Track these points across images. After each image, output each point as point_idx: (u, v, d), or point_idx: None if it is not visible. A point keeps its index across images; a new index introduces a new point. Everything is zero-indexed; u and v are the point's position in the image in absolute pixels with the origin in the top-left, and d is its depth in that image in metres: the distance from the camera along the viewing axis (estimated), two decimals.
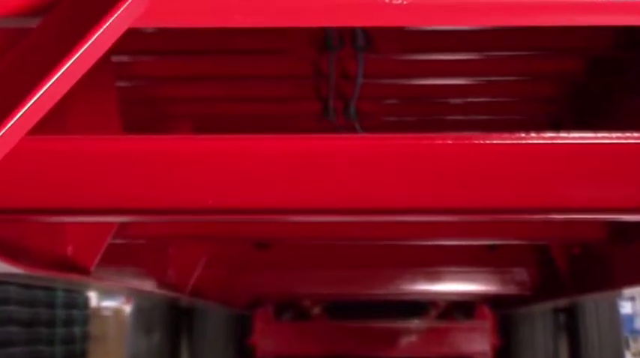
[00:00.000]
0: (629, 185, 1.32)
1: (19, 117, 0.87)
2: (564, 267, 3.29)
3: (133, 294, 4.25)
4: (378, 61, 2.47)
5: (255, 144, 1.33)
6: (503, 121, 2.91)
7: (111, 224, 2.15)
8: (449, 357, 4.72)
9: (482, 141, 1.33)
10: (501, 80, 2.67)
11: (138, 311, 4.53)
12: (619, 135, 1.32)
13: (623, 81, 2.44)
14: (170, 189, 1.34)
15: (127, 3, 0.89)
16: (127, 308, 5.73)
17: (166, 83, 2.69)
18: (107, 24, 0.88)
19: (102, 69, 1.98)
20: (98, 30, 0.87)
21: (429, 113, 2.93)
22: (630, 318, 8.52)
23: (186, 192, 1.34)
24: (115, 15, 0.88)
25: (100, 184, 1.34)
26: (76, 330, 6.84)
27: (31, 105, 0.86)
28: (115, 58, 2.24)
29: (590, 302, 4.10)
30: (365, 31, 2.31)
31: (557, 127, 2.86)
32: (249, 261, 3.95)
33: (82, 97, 1.91)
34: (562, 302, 3.95)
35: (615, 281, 2.83)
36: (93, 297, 7.29)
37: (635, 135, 1.31)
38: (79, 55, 0.84)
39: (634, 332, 8.52)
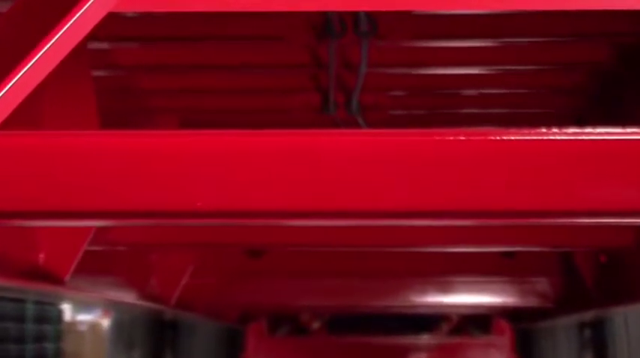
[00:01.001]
0: None
1: None
2: (590, 277, 3.30)
3: (111, 307, 4.25)
4: (383, 49, 2.47)
5: (247, 140, 1.34)
6: (521, 115, 2.92)
7: (87, 229, 2.15)
8: None
9: (498, 138, 1.34)
10: (520, 69, 2.68)
11: (117, 326, 4.53)
12: None
13: None
14: (153, 190, 1.35)
15: None
16: (105, 323, 5.73)
17: (149, 73, 2.69)
18: (85, 7, 0.88)
19: (78, 57, 1.98)
20: (75, 14, 0.87)
21: (439, 106, 2.93)
22: None
23: (172, 193, 1.34)
24: None
25: (76, 185, 1.35)
26: (48, 347, 6.83)
27: None
28: (92, 45, 2.25)
29: (619, 316, 4.11)
30: (369, 15, 2.31)
31: (581, 122, 2.87)
32: (241, 269, 3.96)
33: (55, 89, 1.92)
34: (588, 316, 3.95)
35: None
36: (67, 310, 7.28)
37: None
38: (54, 42, 0.84)
39: None
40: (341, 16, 2.31)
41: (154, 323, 4.27)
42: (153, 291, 3.25)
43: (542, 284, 4.06)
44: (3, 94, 0.88)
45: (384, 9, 1.44)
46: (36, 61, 0.87)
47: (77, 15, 0.87)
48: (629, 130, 1.33)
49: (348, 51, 2.46)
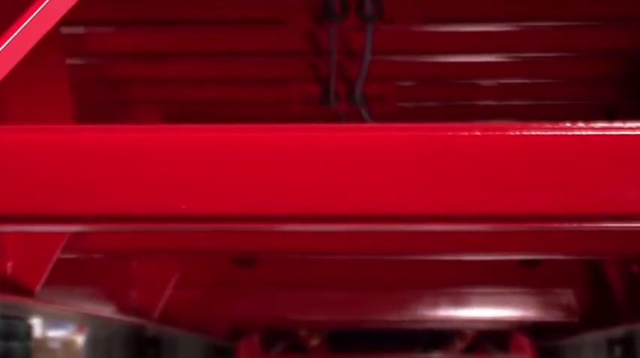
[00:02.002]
0: None
1: None
2: (620, 288, 3.30)
3: (87, 321, 4.25)
4: (390, 34, 2.48)
5: (238, 136, 1.34)
6: (544, 108, 2.92)
7: (60, 235, 2.16)
8: None
9: (518, 133, 1.34)
10: (543, 57, 2.68)
11: (93, 343, 4.54)
12: None
13: None
14: (133, 192, 1.35)
15: None
16: (80, 339, 5.73)
17: (129, 60, 2.70)
18: None
19: (50, 43, 1.98)
20: None
21: (452, 98, 2.94)
22: None
23: (154, 195, 1.34)
24: None
25: (46, 185, 1.35)
26: None
27: None
28: (65, 30, 2.25)
29: None
30: None
31: (611, 115, 2.87)
32: (231, 280, 3.96)
33: (25, 78, 1.92)
34: (617, 332, 3.96)
35: None
36: (37, 325, 7.29)
37: None
38: (24, 27, 0.84)
39: None
40: None
41: (134, 340, 4.27)
42: (133, 304, 3.25)
43: (567, 296, 4.06)
44: None
45: None
46: (4, 48, 0.87)
47: None
48: None
49: (350, 36, 2.46)
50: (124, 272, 3.21)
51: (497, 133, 1.34)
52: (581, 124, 1.34)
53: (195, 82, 2.84)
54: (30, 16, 0.87)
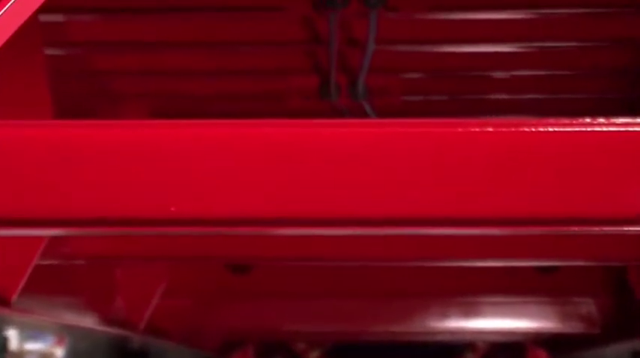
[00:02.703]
0: None
1: None
2: None
3: (67, 332, 4.26)
4: (395, 22, 2.48)
5: (231, 133, 1.34)
6: (561, 102, 2.92)
7: (38, 239, 2.16)
8: None
9: (534, 129, 1.34)
10: (559, 47, 2.68)
11: (74, 356, 4.54)
12: None
13: None
14: (118, 193, 1.35)
15: None
16: (59, 352, 5.73)
17: (114, 51, 2.70)
18: None
19: (28, 32, 1.98)
20: None
21: (462, 91, 2.94)
22: None
23: (140, 196, 1.35)
24: None
25: (24, 186, 1.35)
26: None
27: None
28: (44, 18, 2.25)
29: None
30: None
31: (634, 110, 2.87)
32: (224, 288, 3.96)
33: (0, 69, 1.92)
34: None
35: None
36: (13, 337, 7.28)
37: None
38: (1, 14, 0.85)
39: None
40: None
41: (118, 352, 4.28)
42: (117, 314, 3.26)
43: (587, 305, 4.06)
44: None
45: None
46: None
47: None
48: None
49: (352, 24, 2.47)
50: (108, 279, 3.21)
51: (511, 129, 1.35)
52: (601, 120, 1.34)
53: (186, 75, 2.84)
54: (7, 2, 0.88)
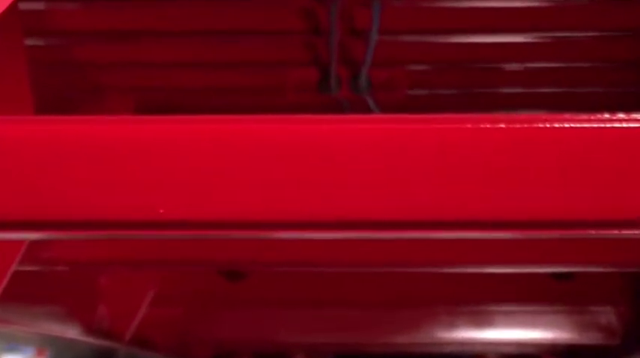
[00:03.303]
0: None
1: None
2: None
3: (48, 343, 4.26)
4: (400, 10, 2.48)
5: (225, 129, 1.34)
6: (578, 96, 2.92)
7: (17, 243, 2.16)
8: None
9: (548, 125, 1.34)
10: (577, 37, 2.68)
11: None
12: None
13: None
14: (103, 193, 1.35)
15: None
16: None
17: (98, 40, 2.70)
18: None
19: (6, 20, 1.99)
20: None
21: (473, 84, 2.94)
22: None
23: (127, 196, 1.34)
24: None
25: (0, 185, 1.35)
26: None
27: None
28: (24, 5, 2.25)
29: None
30: None
31: None
32: (216, 296, 3.96)
33: None
34: None
35: None
36: None
37: None
38: None
39: None
40: None
41: None
42: (102, 324, 3.26)
43: (606, 314, 4.06)
44: None
45: None
46: None
47: None
48: None
49: (354, 13, 2.47)
50: (92, 286, 3.22)
51: (524, 126, 1.34)
52: (621, 115, 1.34)
53: (175, 66, 2.84)
54: None
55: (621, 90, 2.95)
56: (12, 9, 1.83)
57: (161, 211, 1.33)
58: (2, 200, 1.35)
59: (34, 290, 2.77)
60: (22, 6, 2.23)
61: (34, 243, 2.27)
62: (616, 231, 1.45)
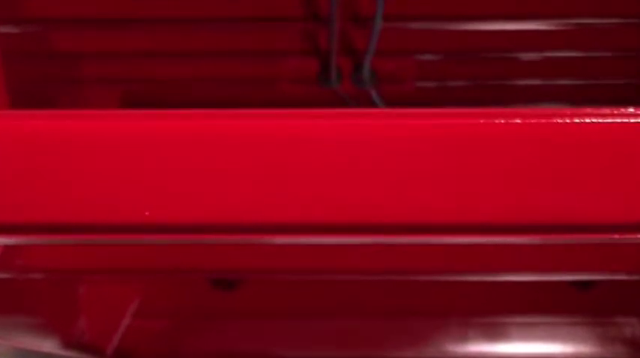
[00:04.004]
0: None
1: None
2: None
3: None
4: None
5: (215, 125, 1.34)
6: (601, 88, 2.92)
7: None
8: None
9: (568, 120, 1.34)
10: (600, 24, 2.68)
11: None
12: None
13: None
14: (82, 194, 1.35)
15: None
16: None
17: (78, 28, 2.70)
18: None
19: None
20: None
21: (486, 75, 2.94)
22: None
23: (109, 198, 1.35)
24: None
25: None
26: None
27: None
28: None
29: None
30: None
31: None
32: (207, 306, 3.97)
33: None
34: None
35: None
36: None
37: None
38: None
39: None
40: None
41: None
42: (81, 337, 3.26)
43: (631, 326, 4.07)
44: None
45: None
46: None
47: None
48: None
49: None
50: (70, 296, 3.22)
51: (543, 121, 1.35)
52: None
53: (162, 56, 2.84)
54: None
55: None
56: None
57: (147, 213, 1.33)
58: None
59: (7, 300, 2.77)
60: None
61: (6, 249, 2.27)
62: None
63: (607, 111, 1.35)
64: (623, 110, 1.34)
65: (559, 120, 1.34)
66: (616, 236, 1.46)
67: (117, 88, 2.93)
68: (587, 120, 1.34)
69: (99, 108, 2.81)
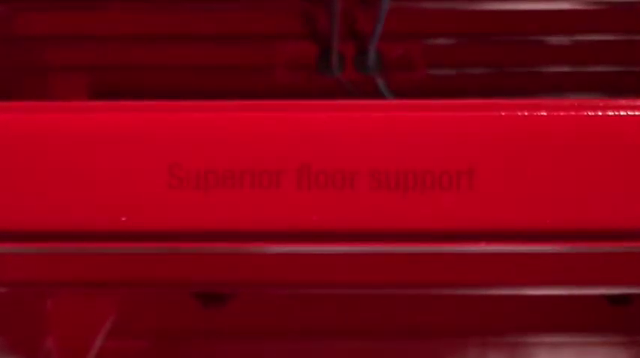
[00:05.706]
0: None
1: None
2: None
3: None
4: None
5: (202, 118, 1.35)
6: (636, 76, 2.93)
7: None
8: None
9: (600, 113, 1.35)
10: (637, 3, 2.69)
11: None
12: None
13: None
14: (51, 197, 1.36)
15: None
16: None
17: (43, 9, 2.71)
18: None
19: None
20: None
21: (508, 62, 2.95)
22: None
23: (81, 201, 1.35)
24: None
25: None
26: None
27: None
28: None
29: None
30: None
31: None
32: (192, 324, 3.97)
33: None
34: None
35: None
36: None
37: None
38: None
39: None
40: None
41: None
42: (49, 357, 3.27)
43: None
44: None
45: None
46: None
47: None
48: None
49: None
50: (38, 312, 3.22)
51: (572, 113, 1.35)
52: None
53: (140, 40, 2.84)
54: None
55: None
56: None
57: (123, 219, 1.34)
58: None
59: None
60: None
61: None
62: None
63: None
64: None
65: (590, 113, 1.35)
66: None
67: (85, 76, 2.94)
68: (623, 113, 1.35)
69: (65, 98, 2.82)
